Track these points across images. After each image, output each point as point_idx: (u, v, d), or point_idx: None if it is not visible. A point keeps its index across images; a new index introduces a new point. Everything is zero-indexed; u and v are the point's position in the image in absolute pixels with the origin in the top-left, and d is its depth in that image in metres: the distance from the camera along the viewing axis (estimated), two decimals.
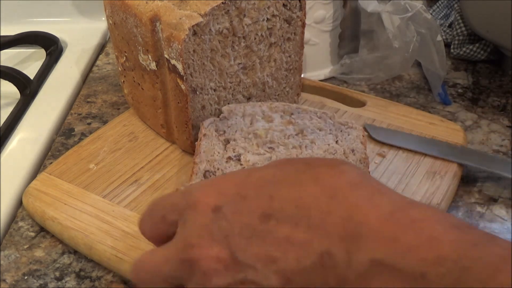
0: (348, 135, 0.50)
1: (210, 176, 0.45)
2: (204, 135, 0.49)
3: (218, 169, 0.46)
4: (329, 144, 0.49)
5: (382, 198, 0.30)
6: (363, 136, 0.50)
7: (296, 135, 0.50)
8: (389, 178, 0.52)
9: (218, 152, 0.48)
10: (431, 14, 0.70)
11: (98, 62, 0.80)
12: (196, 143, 0.50)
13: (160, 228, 0.35)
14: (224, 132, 0.50)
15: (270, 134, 0.50)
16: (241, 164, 0.46)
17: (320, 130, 0.50)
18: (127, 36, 0.54)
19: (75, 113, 0.67)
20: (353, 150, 0.48)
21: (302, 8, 0.55)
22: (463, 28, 0.75)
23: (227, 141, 0.49)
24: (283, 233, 0.29)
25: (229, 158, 0.47)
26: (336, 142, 0.49)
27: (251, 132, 0.50)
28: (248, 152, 0.48)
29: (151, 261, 0.34)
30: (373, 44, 0.70)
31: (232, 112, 0.52)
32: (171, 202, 0.35)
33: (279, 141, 0.49)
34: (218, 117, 0.52)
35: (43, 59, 0.79)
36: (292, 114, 0.52)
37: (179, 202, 0.34)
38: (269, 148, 0.48)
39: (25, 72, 0.71)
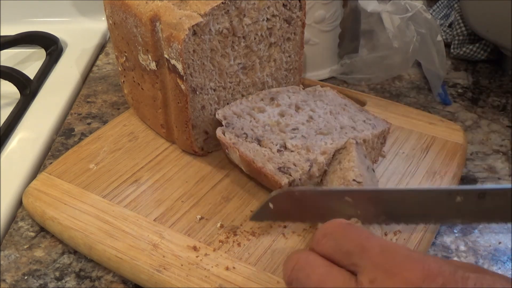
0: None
1: (286, 170, 0.46)
2: (234, 143, 0.49)
3: (282, 163, 0.47)
4: (325, 109, 0.53)
5: None
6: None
7: (295, 111, 0.53)
8: (389, 178, 0.52)
9: (265, 151, 0.48)
10: (431, 14, 0.70)
11: (98, 62, 0.80)
12: (234, 156, 0.50)
13: (338, 254, 0.35)
14: (246, 134, 0.50)
15: (281, 120, 0.52)
16: (292, 151, 0.48)
17: (305, 102, 0.55)
18: (127, 36, 0.54)
19: (75, 113, 0.67)
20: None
21: (302, 8, 0.55)
22: (463, 28, 0.75)
23: (258, 140, 0.49)
24: None
25: (278, 151, 0.48)
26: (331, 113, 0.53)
27: (265, 125, 0.51)
28: (283, 139, 0.49)
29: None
30: (373, 44, 0.70)
31: (229, 116, 0.52)
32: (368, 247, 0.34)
33: (292, 122, 0.51)
34: (220, 124, 0.52)
35: (43, 59, 0.79)
36: (272, 98, 0.55)
37: (379, 259, 0.34)
38: (293, 129, 0.50)
39: (25, 72, 0.71)
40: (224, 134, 0.50)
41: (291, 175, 0.46)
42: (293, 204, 0.42)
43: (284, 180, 0.45)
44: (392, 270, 0.32)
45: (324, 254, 0.36)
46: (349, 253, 0.34)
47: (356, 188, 0.42)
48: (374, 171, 0.46)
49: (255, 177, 0.50)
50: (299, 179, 0.46)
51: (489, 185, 0.48)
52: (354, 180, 0.42)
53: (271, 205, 0.42)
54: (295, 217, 0.44)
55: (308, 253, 0.37)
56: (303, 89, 0.57)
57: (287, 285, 0.37)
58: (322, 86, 0.58)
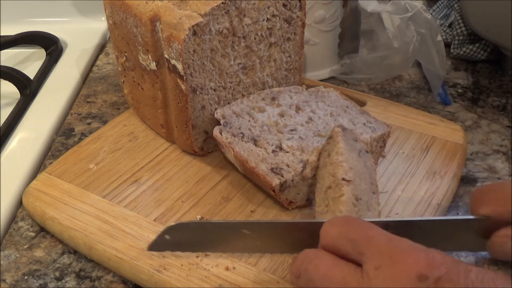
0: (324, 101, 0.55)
1: (278, 171, 0.46)
2: (229, 142, 0.49)
3: (275, 163, 0.47)
4: (326, 110, 0.53)
5: None
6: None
7: (295, 112, 0.53)
8: (389, 178, 0.52)
9: (260, 151, 0.48)
10: (431, 14, 0.70)
11: (98, 62, 0.80)
12: (230, 155, 0.50)
13: (345, 242, 0.36)
14: (242, 134, 0.50)
15: (280, 121, 0.52)
16: (286, 152, 0.48)
17: (306, 102, 0.55)
18: (127, 36, 0.54)
19: (75, 113, 0.67)
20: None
21: (302, 8, 0.55)
22: (463, 28, 0.75)
23: (254, 140, 0.49)
24: None
25: (273, 151, 0.48)
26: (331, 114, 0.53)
27: (263, 125, 0.51)
28: (279, 140, 0.49)
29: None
30: (373, 44, 0.70)
31: (228, 115, 0.52)
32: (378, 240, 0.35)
33: (291, 123, 0.51)
34: (219, 123, 0.52)
35: (43, 59, 0.79)
36: (274, 98, 0.55)
37: (384, 248, 0.34)
38: (291, 130, 0.50)
39: (25, 72, 0.71)
40: (221, 134, 0.50)
41: (283, 176, 0.45)
42: (195, 235, 0.42)
43: (276, 181, 0.45)
44: (397, 257, 0.33)
45: (331, 243, 0.36)
46: (355, 241, 0.35)
47: (252, 220, 0.42)
48: (368, 152, 0.46)
49: (249, 177, 0.51)
50: (291, 180, 0.46)
51: (388, 218, 0.48)
52: (343, 179, 0.41)
53: (167, 237, 0.42)
54: (203, 247, 0.43)
55: (317, 249, 0.38)
56: (306, 89, 0.57)
57: (295, 278, 0.38)
58: (325, 87, 0.57)
